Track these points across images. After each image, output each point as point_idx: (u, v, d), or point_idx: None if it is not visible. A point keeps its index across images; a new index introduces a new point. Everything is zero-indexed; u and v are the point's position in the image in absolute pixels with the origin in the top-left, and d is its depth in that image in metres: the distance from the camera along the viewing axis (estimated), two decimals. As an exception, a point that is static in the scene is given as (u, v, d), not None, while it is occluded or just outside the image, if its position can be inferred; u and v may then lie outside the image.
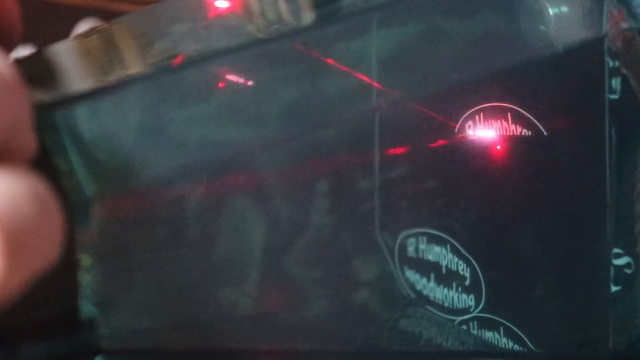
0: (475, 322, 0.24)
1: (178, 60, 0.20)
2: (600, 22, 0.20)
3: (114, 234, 0.22)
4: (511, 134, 0.22)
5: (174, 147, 0.22)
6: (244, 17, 0.21)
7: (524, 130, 0.22)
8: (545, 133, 0.21)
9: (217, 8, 0.21)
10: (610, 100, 0.20)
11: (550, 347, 0.22)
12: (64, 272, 0.19)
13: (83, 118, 0.21)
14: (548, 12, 0.20)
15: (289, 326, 0.25)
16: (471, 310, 0.24)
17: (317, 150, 0.25)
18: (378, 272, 0.27)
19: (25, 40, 0.19)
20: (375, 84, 0.24)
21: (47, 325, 0.20)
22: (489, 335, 0.24)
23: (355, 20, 0.22)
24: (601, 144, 0.20)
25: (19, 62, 0.20)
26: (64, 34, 0.23)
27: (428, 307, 0.26)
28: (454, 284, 0.25)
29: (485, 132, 0.23)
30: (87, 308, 0.21)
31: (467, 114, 0.23)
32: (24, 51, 0.21)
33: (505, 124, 0.22)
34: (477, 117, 0.23)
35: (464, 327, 0.24)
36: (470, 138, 0.23)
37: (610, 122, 0.20)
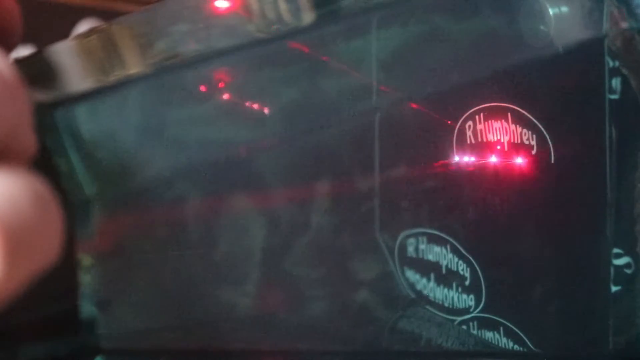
0: (475, 322, 0.24)
1: (178, 60, 0.20)
2: (600, 22, 0.20)
3: (114, 234, 0.22)
4: (511, 134, 0.22)
5: (174, 147, 0.22)
6: (244, 17, 0.21)
7: (524, 130, 0.22)
8: (545, 133, 0.21)
9: (217, 8, 0.21)
10: (610, 100, 0.20)
11: (550, 347, 0.22)
12: (64, 272, 0.19)
13: (83, 118, 0.21)
14: (548, 12, 0.20)
15: (289, 326, 0.25)
16: (471, 310, 0.24)
17: (317, 150, 0.25)
18: (378, 272, 0.27)
19: (25, 40, 0.19)
20: (375, 84, 0.24)
21: (47, 325, 0.20)
22: (489, 335, 0.24)
23: (355, 20, 0.22)
24: (601, 144, 0.20)
25: (19, 62, 0.20)
26: (64, 34, 0.23)
27: (428, 307, 0.26)
28: (454, 284, 0.25)
29: (485, 132, 0.23)
30: (87, 308, 0.21)
31: (467, 114, 0.23)
32: (24, 51, 0.21)
33: (505, 124, 0.22)
34: (477, 117, 0.23)
35: (464, 327, 0.24)
36: (470, 138, 0.23)
37: (610, 122, 0.20)
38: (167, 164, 0.22)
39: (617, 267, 0.20)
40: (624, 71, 0.20)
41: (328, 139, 0.25)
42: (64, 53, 0.21)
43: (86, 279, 0.21)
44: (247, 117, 0.23)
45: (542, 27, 0.21)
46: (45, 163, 0.19)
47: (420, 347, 0.25)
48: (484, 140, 0.23)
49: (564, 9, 0.20)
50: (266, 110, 0.23)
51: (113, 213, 0.22)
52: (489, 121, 0.22)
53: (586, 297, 0.21)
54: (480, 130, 0.23)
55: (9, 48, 0.19)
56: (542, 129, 0.21)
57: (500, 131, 0.22)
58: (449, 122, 0.24)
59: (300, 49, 0.22)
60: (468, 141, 0.23)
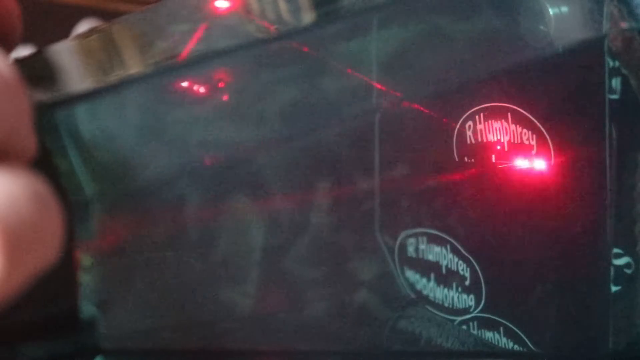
0: (475, 322, 0.24)
1: (178, 60, 0.20)
2: (600, 22, 0.20)
3: (114, 234, 0.22)
4: (511, 134, 0.22)
5: (174, 148, 0.22)
6: (244, 17, 0.21)
7: (524, 130, 0.22)
8: (545, 133, 0.21)
9: (217, 8, 0.21)
10: (610, 100, 0.20)
11: (550, 347, 0.22)
12: (64, 272, 0.19)
13: (83, 118, 0.21)
14: (548, 12, 0.20)
15: (289, 326, 0.25)
16: (471, 310, 0.24)
17: (317, 150, 0.25)
18: (378, 272, 0.27)
19: (25, 40, 0.19)
20: (375, 84, 0.24)
21: (47, 325, 0.20)
22: (489, 335, 0.24)
23: (355, 20, 0.22)
24: (601, 144, 0.20)
25: (19, 62, 0.20)
26: (64, 34, 0.23)
27: (428, 307, 0.26)
28: (454, 284, 0.25)
29: (485, 132, 0.23)
30: (87, 308, 0.21)
31: (467, 114, 0.23)
32: (24, 51, 0.21)
33: (505, 124, 0.22)
34: (477, 117, 0.23)
35: (464, 327, 0.24)
36: (470, 138, 0.23)
37: (610, 122, 0.20)
38: (167, 164, 0.22)
39: (617, 267, 0.20)
40: (624, 71, 0.20)
41: (328, 139, 0.25)
42: (64, 53, 0.21)
43: (86, 279, 0.21)
44: (247, 117, 0.23)
45: (542, 27, 0.21)
46: (45, 163, 0.19)
47: (420, 347, 0.25)
48: (484, 140, 0.23)
49: (564, 9, 0.20)
50: (266, 111, 0.23)
51: (113, 213, 0.22)
52: (489, 121, 0.22)
53: (586, 297, 0.21)
54: (480, 130, 0.23)
55: (9, 48, 0.19)
56: (542, 129, 0.21)
57: (500, 131, 0.22)
58: (449, 122, 0.24)
59: (300, 49, 0.22)
60: (468, 141, 0.23)
